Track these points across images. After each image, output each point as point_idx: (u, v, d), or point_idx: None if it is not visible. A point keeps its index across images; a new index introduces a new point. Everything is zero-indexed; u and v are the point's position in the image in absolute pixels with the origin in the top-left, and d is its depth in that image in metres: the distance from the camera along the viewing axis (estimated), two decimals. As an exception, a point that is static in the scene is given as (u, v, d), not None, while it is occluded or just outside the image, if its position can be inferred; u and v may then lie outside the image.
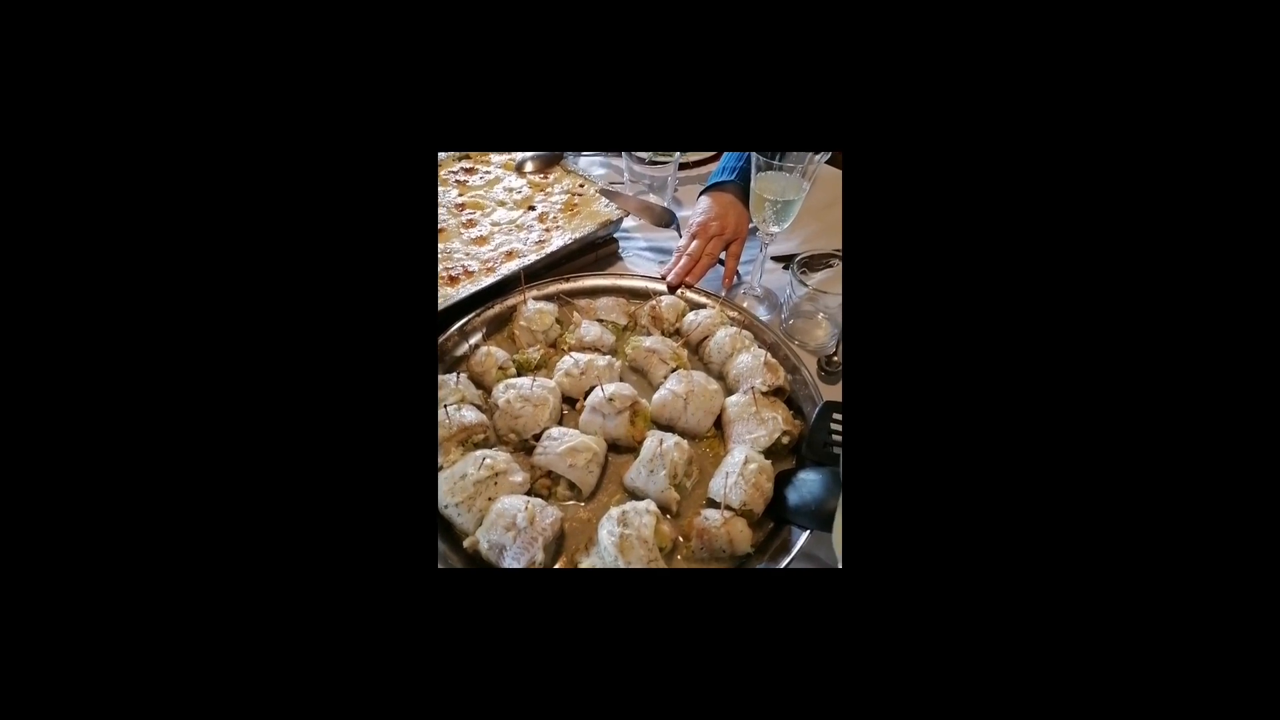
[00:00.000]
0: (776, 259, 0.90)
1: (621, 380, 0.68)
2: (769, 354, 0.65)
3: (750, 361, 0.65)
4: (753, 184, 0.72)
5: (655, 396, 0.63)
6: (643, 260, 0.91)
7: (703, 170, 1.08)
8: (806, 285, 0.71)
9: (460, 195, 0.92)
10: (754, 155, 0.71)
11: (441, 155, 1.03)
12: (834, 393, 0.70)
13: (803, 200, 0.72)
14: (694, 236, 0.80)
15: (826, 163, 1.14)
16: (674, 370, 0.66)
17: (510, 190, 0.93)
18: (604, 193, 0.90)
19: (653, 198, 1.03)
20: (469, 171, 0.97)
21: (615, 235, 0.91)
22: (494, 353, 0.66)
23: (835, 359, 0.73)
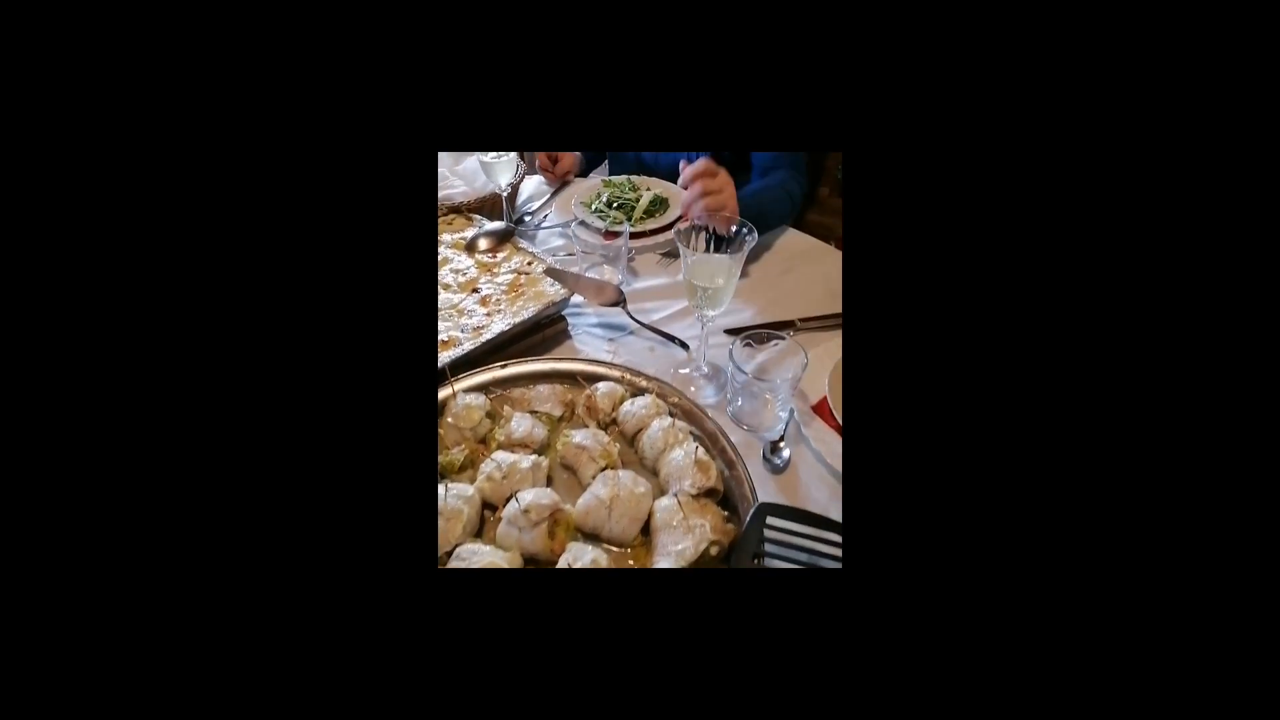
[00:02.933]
0: (729, 331, 0.87)
1: (551, 480, 0.64)
2: (700, 449, 0.62)
3: (681, 459, 0.61)
4: (683, 271, 0.70)
5: (579, 501, 0.59)
6: (592, 338, 0.89)
7: (657, 239, 1.07)
8: (745, 373, 0.68)
9: (407, 279, 0.91)
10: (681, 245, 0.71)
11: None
12: (776, 486, 0.66)
13: (735, 284, 0.70)
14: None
15: (791, 226, 1.13)
16: (602, 470, 0.62)
17: (457, 272, 0.92)
18: (550, 272, 0.89)
19: (608, 270, 1.02)
20: (419, 253, 0.96)
21: (564, 313, 0.89)
22: (414, 457, 0.63)
23: (780, 444, 0.69)
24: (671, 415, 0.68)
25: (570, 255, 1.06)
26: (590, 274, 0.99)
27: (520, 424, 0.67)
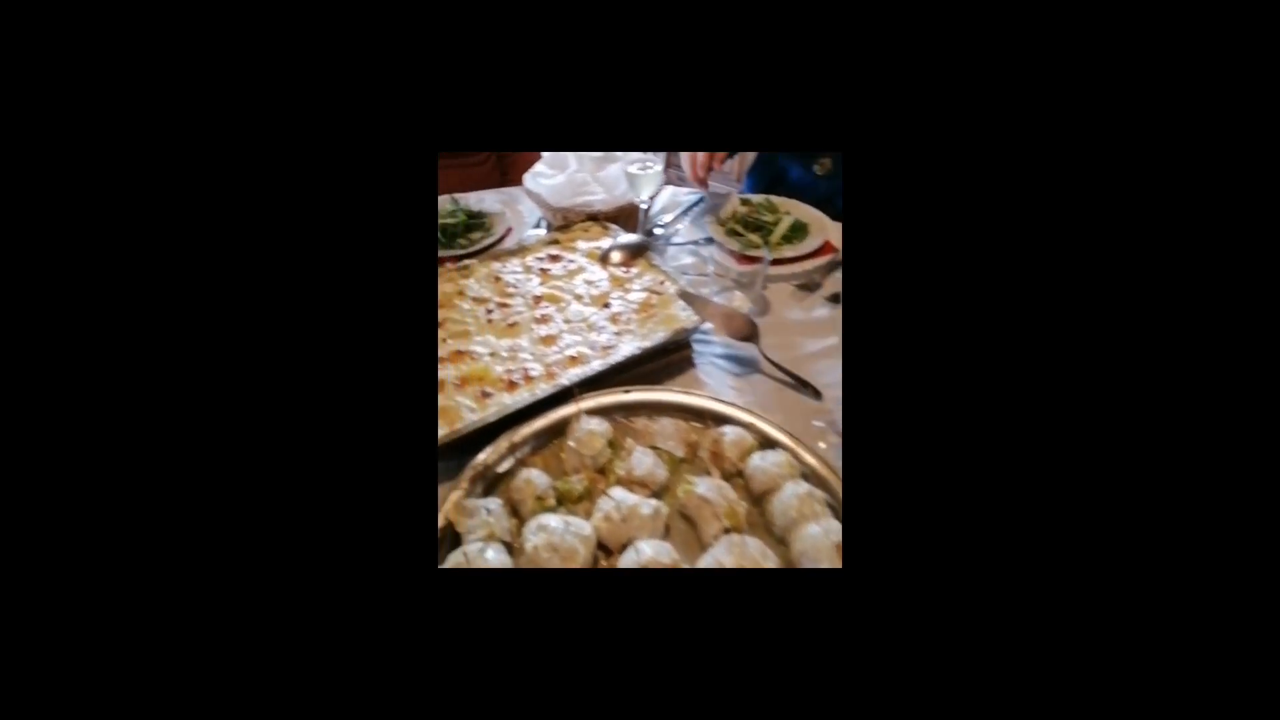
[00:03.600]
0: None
1: (669, 529, 0.60)
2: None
3: (820, 537, 0.54)
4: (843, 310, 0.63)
5: (699, 564, 0.55)
6: (716, 370, 0.84)
7: (794, 268, 0.99)
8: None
9: (542, 284, 0.91)
10: None
11: (530, 238, 1.04)
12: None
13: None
14: None
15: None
16: (726, 531, 0.57)
17: (590, 283, 0.91)
18: (683, 295, 0.85)
19: (739, 296, 0.96)
20: (554, 259, 0.96)
21: (690, 339, 0.85)
22: (533, 480, 0.62)
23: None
24: (806, 479, 0.62)
25: (701, 276, 1.02)
26: (718, 299, 0.94)
27: (642, 461, 0.64)
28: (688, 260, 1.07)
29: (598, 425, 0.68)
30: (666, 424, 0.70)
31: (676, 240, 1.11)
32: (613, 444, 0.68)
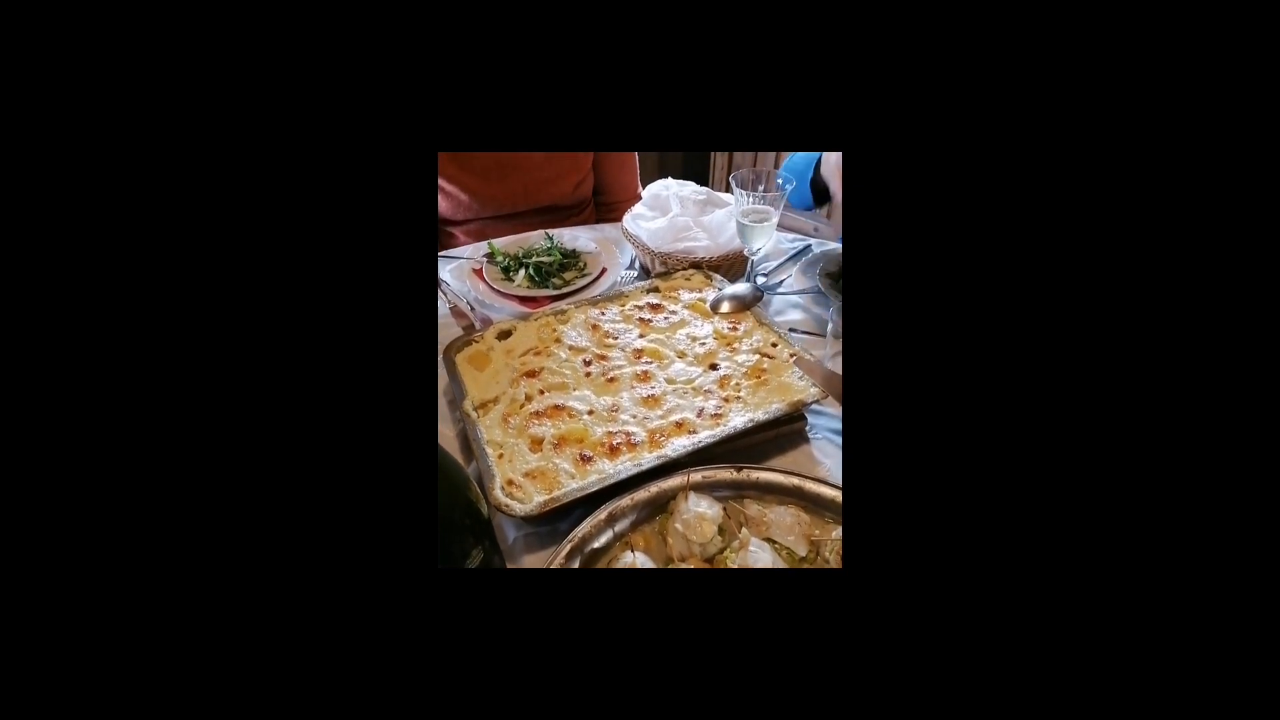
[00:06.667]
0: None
1: (789, 644, 0.52)
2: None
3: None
4: None
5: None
6: (834, 447, 0.75)
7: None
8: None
9: (641, 336, 0.86)
10: None
11: (625, 281, 1.00)
12: None
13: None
14: None
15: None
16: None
17: (694, 339, 0.85)
18: (799, 363, 0.78)
19: (855, 362, 0.87)
20: (654, 309, 0.92)
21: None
22: (639, 565, 0.56)
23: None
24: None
25: (813, 335, 0.94)
26: (832, 364, 0.85)
27: (759, 557, 0.56)
28: (795, 315, 1.00)
29: (708, 508, 0.61)
30: (784, 514, 0.62)
31: (784, 290, 1.04)
32: (722, 530, 0.61)
